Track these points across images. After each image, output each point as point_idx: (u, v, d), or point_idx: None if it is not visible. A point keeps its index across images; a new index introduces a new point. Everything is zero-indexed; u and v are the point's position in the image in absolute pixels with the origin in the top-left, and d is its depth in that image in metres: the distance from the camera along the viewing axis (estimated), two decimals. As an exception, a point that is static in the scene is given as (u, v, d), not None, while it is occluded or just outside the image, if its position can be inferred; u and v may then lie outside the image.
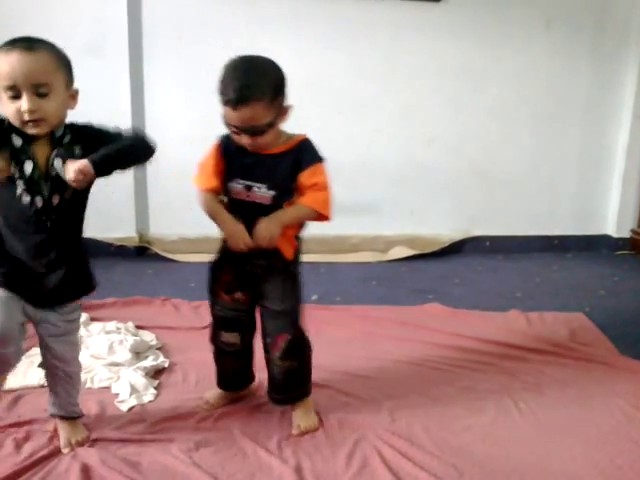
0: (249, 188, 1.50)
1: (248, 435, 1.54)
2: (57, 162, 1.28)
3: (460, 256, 3.44)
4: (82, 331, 2.01)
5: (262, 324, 1.61)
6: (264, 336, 1.61)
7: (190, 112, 3.14)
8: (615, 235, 3.65)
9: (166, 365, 1.90)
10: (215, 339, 1.67)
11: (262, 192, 1.49)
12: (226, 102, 1.40)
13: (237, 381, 1.73)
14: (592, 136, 3.54)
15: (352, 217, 3.18)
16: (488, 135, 3.43)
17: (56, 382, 1.47)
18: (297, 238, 1.59)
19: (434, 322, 2.34)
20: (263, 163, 1.49)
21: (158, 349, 2.01)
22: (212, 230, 3.37)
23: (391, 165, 3.22)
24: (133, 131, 1.39)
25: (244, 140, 1.45)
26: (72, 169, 1.22)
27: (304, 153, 1.50)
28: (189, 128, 3.15)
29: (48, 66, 1.23)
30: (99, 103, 2.87)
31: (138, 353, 1.92)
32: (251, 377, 1.74)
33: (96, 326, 2.09)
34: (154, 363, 1.87)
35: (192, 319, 2.29)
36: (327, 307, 2.45)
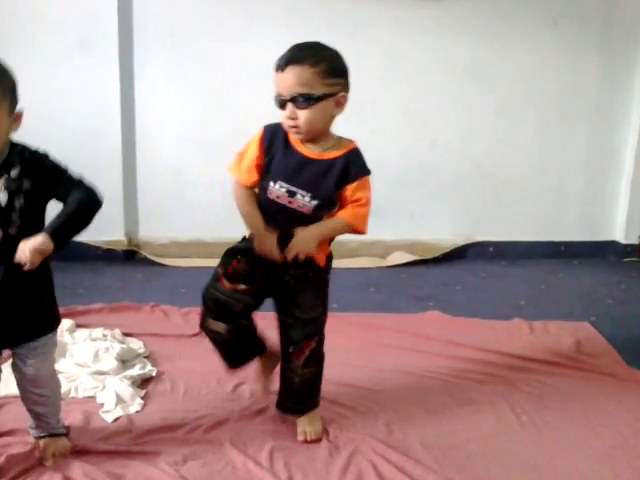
0: (292, 194, 1.44)
1: (238, 447, 1.51)
2: (2, 195, 1.19)
3: (462, 262, 3.39)
4: (67, 338, 2.00)
5: (286, 334, 1.55)
6: (287, 345, 1.56)
7: (182, 111, 3.12)
8: (623, 241, 3.60)
9: (154, 374, 1.87)
10: (202, 324, 1.58)
11: (305, 201, 1.44)
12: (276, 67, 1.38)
13: (244, 356, 1.62)
14: (600, 138, 3.50)
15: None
16: (492, 137, 3.39)
17: (31, 408, 1.43)
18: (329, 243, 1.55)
19: (434, 330, 2.32)
20: (310, 168, 1.44)
21: (146, 357, 1.99)
22: (205, 234, 3.34)
23: (391, 167, 3.19)
24: (81, 182, 1.26)
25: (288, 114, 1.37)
26: (27, 250, 1.11)
27: (353, 164, 1.45)
28: (181, 128, 3.14)
29: None
30: (87, 101, 2.88)
31: (125, 361, 1.90)
32: (261, 347, 1.63)
33: (81, 333, 2.06)
34: (141, 372, 1.84)
35: (182, 326, 2.27)
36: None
